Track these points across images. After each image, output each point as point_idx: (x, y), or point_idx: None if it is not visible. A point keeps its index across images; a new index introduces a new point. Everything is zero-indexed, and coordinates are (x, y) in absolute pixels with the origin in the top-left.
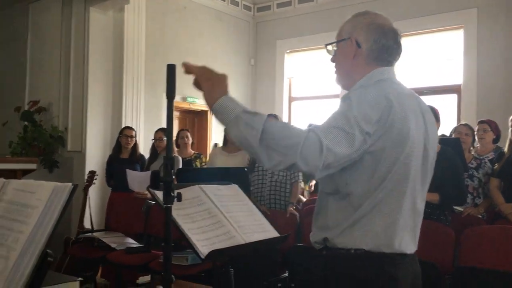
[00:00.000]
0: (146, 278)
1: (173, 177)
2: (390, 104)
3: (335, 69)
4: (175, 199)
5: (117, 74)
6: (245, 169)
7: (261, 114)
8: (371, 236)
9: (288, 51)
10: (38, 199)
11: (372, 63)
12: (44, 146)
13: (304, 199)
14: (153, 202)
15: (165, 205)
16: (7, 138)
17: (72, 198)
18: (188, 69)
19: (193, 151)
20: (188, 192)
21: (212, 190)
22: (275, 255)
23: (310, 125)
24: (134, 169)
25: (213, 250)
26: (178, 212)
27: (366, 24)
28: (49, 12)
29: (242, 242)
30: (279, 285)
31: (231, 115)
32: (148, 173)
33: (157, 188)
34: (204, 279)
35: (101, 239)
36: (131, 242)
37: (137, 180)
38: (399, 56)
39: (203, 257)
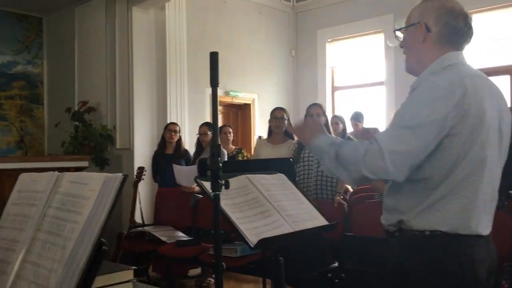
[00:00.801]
0: (197, 271)
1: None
2: (464, 89)
3: (405, 56)
4: (223, 186)
5: (160, 71)
6: (291, 159)
7: (338, 143)
8: (448, 218)
9: (329, 40)
10: (91, 190)
11: (442, 47)
12: (95, 145)
13: (351, 189)
14: (201, 196)
15: (213, 193)
16: (60, 138)
17: (123, 188)
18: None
19: (234, 147)
20: (235, 182)
21: (259, 179)
22: (324, 245)
23: (355, 113)
24: (179, 164)
25: (262, 239)
26: (226, 202)
27: (436, 8)
28: (94, 14)
29: (291, 230)
30: (329, 275)
31: (318, 151)
32: (194, 167)
33: (205, 177)
34: (254, 270)
35: (152, 232)
36: (181, 236)
37: (184, 174)
38: (470, 39)
39: (252, 246)
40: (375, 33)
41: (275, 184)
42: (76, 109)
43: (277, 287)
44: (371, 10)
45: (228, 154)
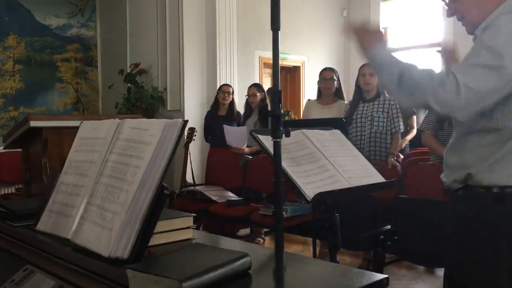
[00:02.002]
0: (246, 231)
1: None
2: None
3: (457, 7)
4: (283, 134)
5: (210, 33)
6: (343, 119)
7: (404, 63)
8: None
9: None
10: (151, 135)
11: None
12: (146, 106)
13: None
14: (250, 157)
15: (273, 139)
16: (113, 100)
17: (184, 133)
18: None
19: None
20: (291, 137)
21: (315, 134)
22: (376, 206)
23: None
24: (232, 126)
25: (319, 193)
26: (282, 156)
27: None
28: None
29: (348, 186)
30: (381, 237)
31: (377, 63)
32: (245, 128)
33: (266, 121)
34: (304, 230)
35: (203, 192)
36: (231, 196)
37: (234, 135)
38: None
39: (309, 199)
40: None
41: (331, 140)
42: (128, 71)
43: (332, 244)
44: None
45: None
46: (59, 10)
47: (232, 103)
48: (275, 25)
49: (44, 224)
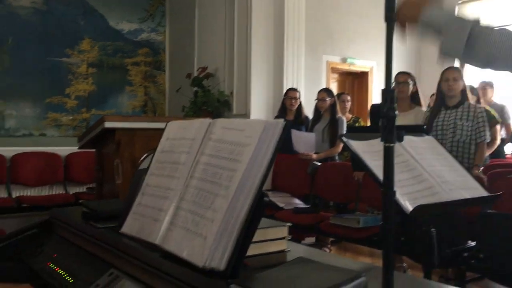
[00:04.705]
0: (311, 239)
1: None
2: None
3: None
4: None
5: (278, 38)
6: (424, 126)
7: (472, 19)
8: None
9: (459, 2)
10: (249, 137)
11: None
12: (212, 110)
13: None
14: (319, 164)
15: (386, 144)
16: (180, 103)
17: (285, 135)
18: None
19: (350, 115)
20: (379, 143)
21: (408, 141)
22: (460, 221)
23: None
24: (300, 131)
25: (420, 205)
26: (375, 163)
27: None
28: None
29: (448, 199)
30: (465, 254)
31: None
32: (313, 134)
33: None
34: (375, 242)
35: (270, 198)
36: (298, 203)
37: (303, 141)
38: None
39: (407, 213)
40: None
41: (425, 148)
42: (195, 75)
43: (428, 261)
44: None
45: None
46: (131, 15)
47: (300, 107)
48: (390, 14)
49: (130, 227)
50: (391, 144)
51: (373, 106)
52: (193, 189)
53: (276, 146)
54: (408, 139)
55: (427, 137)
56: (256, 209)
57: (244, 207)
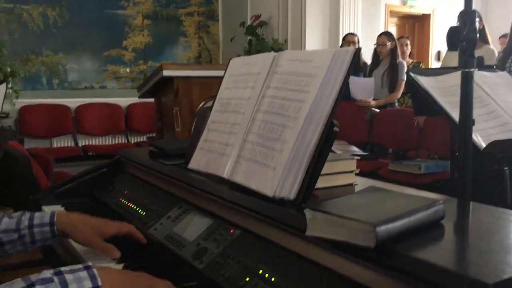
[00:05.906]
0: None
1: None
2: None
3: None
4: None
5: None
6: (494, 66)
7: None
8: None
9: None
10: (317, 67)
11: None
12: None
13: None
14: (378, 110)
15: (464, 69)
16: (234, 53)
17: (354, 63)
18: None
19: (411, 60)
20: (450, 79)
21: (480, 77)
22: None
23: None
24: (358, 77)
25: (494, 141)
26: (444, 99)
27: None
28: None
29: None
30: None
31: None
32: (372, 80)
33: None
34: (440, 188)
35: None
36: (355, 150)
37: (360, 87)
38: None
39: (480, 149)
40: None
41: (499, 83)
42: (249, 23)
43: (499, 201)
44: None
45: None
46: None
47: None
48: None
49: (197, 162)
50: (471, 69)
51: (451, 28)
52: (260, 122)
53: (346, 75)
54: (480, 74)
55: (501, 73)
56: (326, 139)
57: (313, 137)
